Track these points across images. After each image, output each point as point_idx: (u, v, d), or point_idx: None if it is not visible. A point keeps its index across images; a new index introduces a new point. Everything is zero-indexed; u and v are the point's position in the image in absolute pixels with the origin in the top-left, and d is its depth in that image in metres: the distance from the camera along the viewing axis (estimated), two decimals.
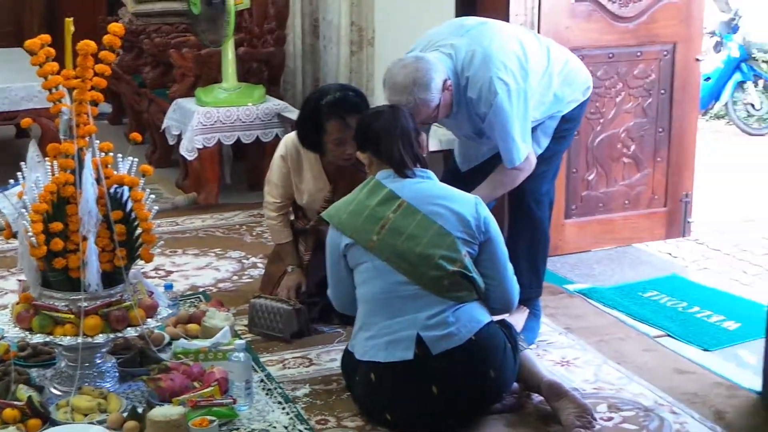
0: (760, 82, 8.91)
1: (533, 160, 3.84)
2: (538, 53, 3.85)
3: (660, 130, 5.13)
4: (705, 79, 8.15)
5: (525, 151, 3.77)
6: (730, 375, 3.73)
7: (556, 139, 4.02)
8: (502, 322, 3.48)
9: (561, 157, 4.20)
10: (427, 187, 3.42)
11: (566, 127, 4.04)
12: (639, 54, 5.02)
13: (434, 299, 3.26)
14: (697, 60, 5.14)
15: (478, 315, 3.31)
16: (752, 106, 8.82)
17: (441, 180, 3.55)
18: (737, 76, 8.87)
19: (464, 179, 3.96)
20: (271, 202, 4.28)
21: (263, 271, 4.74)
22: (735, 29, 9.07)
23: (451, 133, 4.28)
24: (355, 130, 3.58)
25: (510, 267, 3.46)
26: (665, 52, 5.06)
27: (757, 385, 3.59)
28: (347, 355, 3.47)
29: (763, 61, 9.32)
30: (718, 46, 9.12)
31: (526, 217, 4.05)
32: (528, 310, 4.04)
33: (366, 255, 3.33)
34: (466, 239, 3.32)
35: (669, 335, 4.10)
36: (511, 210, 4.15)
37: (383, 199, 3.36)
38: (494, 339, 3.31)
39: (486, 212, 3.40)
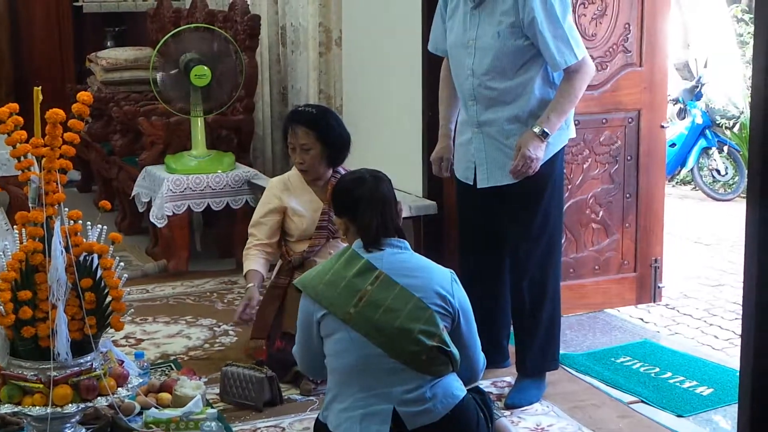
0: (725, 148, 9.03)
1: (591, 65, 3.91)
2: None
3: (627, 195, 5.16)
4: (670, 145, 8.26)
5: (581, 48, 3.83)
6: None
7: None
8: (476, 389, 3.45)
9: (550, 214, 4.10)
10: (404, 258, 3.33)
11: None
12: (604, 121, 5.05)
13: (412, 374, 3.19)
14: (662, 127, 5.18)
15: (454, 390, 3.26)
16: (717, 171, 8.93)
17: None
18: (702, 142, 9.00)
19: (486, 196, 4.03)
20: (252, 240, 4.44)
21: (236, 337, 4.70)
22: (698, 96, 9.22)
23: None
24: (334, 193, 3.55)
25: (478, 341, 3.41)
26: (630, 119, 5.10)
27: None
28: (319, 426, 3.39)
29: (727, 128, 9.48)
30: (682, 113, 9.26)
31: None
32: None
33: (342, 326, 3.23)
34: (443, 313, 3.25)
35: (643, 401, 4.09)
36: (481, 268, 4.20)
37: (360, 270, 3.27)
38: (468, 413, 3.26)
39: (459, 287, 3.33)
